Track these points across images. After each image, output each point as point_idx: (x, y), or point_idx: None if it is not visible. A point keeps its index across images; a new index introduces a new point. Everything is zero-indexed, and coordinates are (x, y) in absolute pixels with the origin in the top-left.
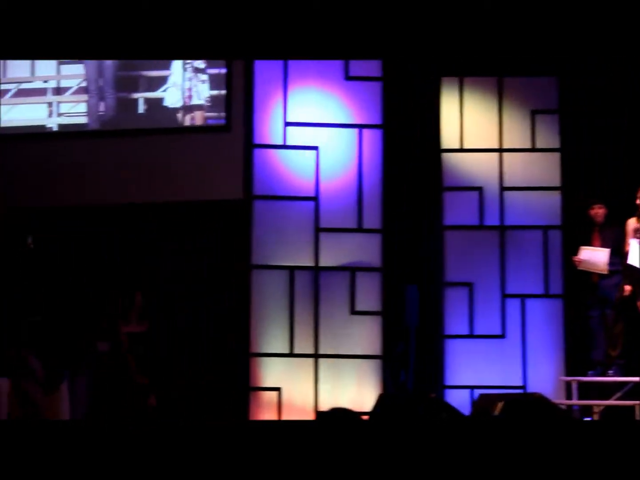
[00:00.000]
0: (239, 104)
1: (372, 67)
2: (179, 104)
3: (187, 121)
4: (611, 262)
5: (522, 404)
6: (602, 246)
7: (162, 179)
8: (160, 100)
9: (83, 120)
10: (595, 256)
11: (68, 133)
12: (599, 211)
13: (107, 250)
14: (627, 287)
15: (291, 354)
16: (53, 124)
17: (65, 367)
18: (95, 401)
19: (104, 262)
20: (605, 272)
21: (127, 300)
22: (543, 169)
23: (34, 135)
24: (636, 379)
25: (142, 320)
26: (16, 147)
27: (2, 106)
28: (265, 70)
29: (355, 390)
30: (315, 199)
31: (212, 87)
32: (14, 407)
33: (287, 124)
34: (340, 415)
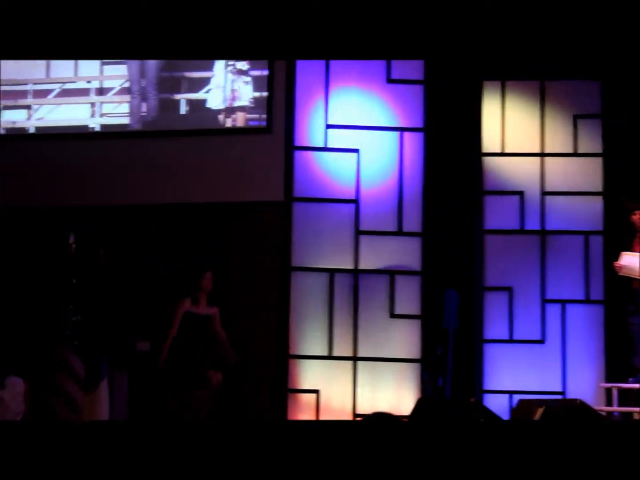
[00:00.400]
0: (280, 106)
1: (414, 69)
2: (221, 106)
3: (229, 122)
4: None
5: (563, 410)
6: None
7: (204, 180)
8: (202, 102)
9: (125, 120)
10: (636, 262)
11: (110, 133)
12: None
13: (148, 249)
14: None
15: (330, 357)
16: (95, 124)
17: (105, 366)
18: (136, 402)
19: (145, 262)
20: None
21: (195, 281)
22: (585, 173)
23: (76, 135)
24: None
25: (212, 306)
26: (60, 147)
27: (45, 106)
28: (306, 72)
29: (393, 393)
30: (355, 201)
31: (254, 89)
32: (30, 407)
33: (328, 126)
34: (382, 420)
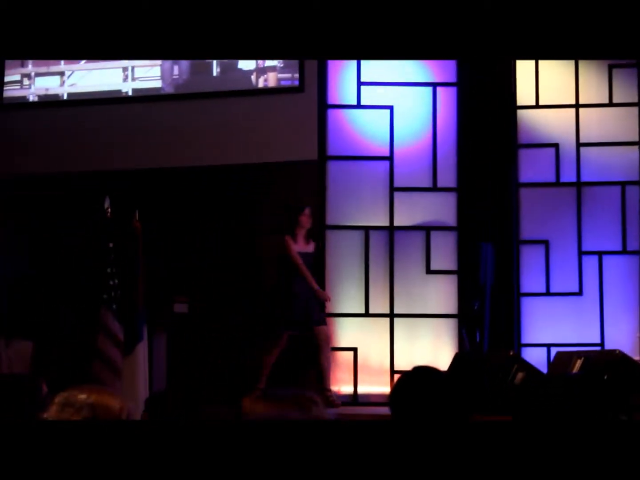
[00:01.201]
0: (312, 65)
1: None
2: (252, 66)
3: (261, 83)
4: None
5: (602, 361)
6: None
7: (237, 142)
8: (234, 63)
9: (157, 84)
10: None
11: (143, 97)
12: None
13: (183, 211)
14: None
15: (367, 314)
16: (128, 88)
17: (144, 329)
18: (174, 364)
19: (181, 224)
20: None
21: (294, 218)
22: (621, 123)
23: (109, 100)
24: None
25: (309, 240)
26: (93, 113)
27: (77, 72)
28: None
29: (430, 349)
30: (389, 158)
31: None
32: (33, 369)
33: (361, 83)
34: (424, 374)
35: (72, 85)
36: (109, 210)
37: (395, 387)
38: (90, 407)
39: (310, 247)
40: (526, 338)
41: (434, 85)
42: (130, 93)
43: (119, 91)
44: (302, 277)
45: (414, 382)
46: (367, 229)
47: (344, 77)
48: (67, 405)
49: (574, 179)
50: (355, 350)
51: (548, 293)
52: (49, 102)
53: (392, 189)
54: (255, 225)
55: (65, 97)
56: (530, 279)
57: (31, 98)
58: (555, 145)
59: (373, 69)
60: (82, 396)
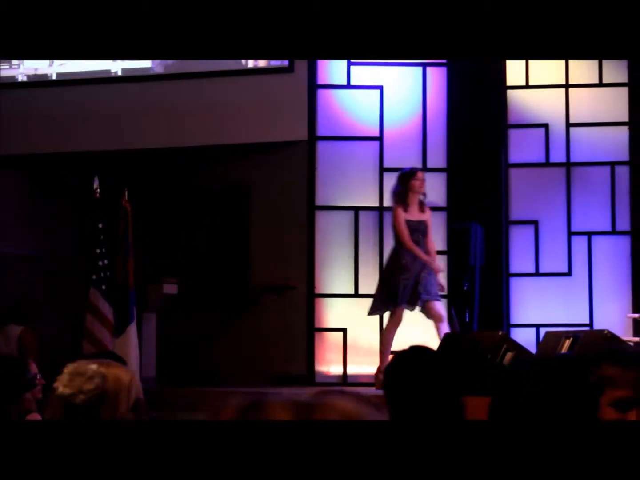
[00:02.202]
0: None
1: None
2: None
3: (251, 63)
4: None
5: (590, 342)
6: None
7: (227, 122)
8: None
9: (147, 64)
10: None
11: (132, 77)
12: None
13: (171, 192)
14: None
15: (356, 295)
16: (117, 68)
17: (134, 309)
18: (164, 345)
19: (169, 204)
20: None
21: (405, 183)
22: (611, 104)
23: (98, 80)
24: None
25: (423, 207)
26: (82, 93)
27: None
28: None
29: (420, 330)
30: (379, 138)
31: None
32: (22, 354)
33: (351, 63)
34: (419, 353)
35: (61, 65)
36: (98, 190)
37: (390, 366)
38: (101, 377)
39: (425, 215)
40: (515, 318)
41: (424, 65)
42: (119, 73)
43: (108, 71)
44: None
45: (409, 361)
46: (356, 210)
47: None
48: (77, 375)
49: (563, 160)
50: (344, 330)
51: (537, 273)
52: (38, 82)
53: (382, 170)
54: (244, 204)
55: (54, 77)
56: (520, 259)
57: (20, 78)
58: (545, 126)
59: None
60: (93, 366)
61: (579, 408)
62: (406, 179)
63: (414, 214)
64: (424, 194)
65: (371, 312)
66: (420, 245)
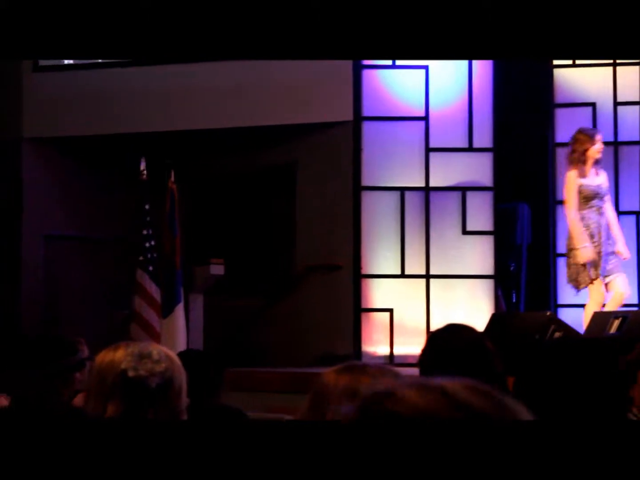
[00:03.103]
0: None
1: None
2: None
3: None
4: None
5: (639, 321)
6: None
7: (272, 102)
8: None
9: None
10: None
11: (177, 59)
12: None
13: (217, 173)
14: None
15: (403, 275)
16: None
17: (181, 290)
18: (211, 325)
19: (215, 185)
20: None
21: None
22: None
23: (142, 62)
24: None
25: (599, 169)
26: (128, 73)
27: None
28: None
29: (467, 310)
30: (425, 119)
31: None
32: None
33: None
34: (457, 330)
35: None
36: (145, 172)
37: (426, 342)
38: (167, 359)
39: (602, 178)
40: (562, 298)
41: None
42: None
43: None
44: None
45: (445, 338)
46: (402, 190)
47: None
48: (144, 357)
49: (611, 139)
50: (391, 311)
51: None
52: (84, 64)
53: (428, 150)
54: (291, 185)
55: (99, 60)
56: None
57: (65, 60)
58: (592, 105)
59: None
60: (154, 348)
61: (602, 396)
62: (585, 140)
63: (591, 178)
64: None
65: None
66: (599, 212)
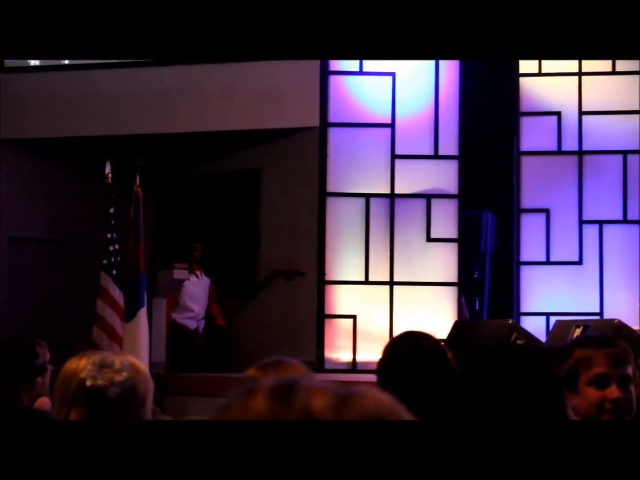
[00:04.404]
0: None
1: None
2: None
3: None
4: None
5: (600, 330)
6: None
7: (238, 107)
8: None
9: None
10: None
11: (138, 62)
12: None
13: (182, 177)
14: None
15: (367, 282)
16: None
17: (144, 294)
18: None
19: (180, 189)
20: None
21: None
22: (623, 92)
23: (117, 64)
24: None
25: None
26: (97, 77)
27: None
28: None
29: (430, 317)
30: (391, 125)
31: None
32: None
33: None
34: (415, 338)
35: None
36: (110, 175)
37: (384, 350)
38: (131, 369)
39: None
40: (525, 307)
41: None
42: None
43: None
44: None
45: (403, 346)
46: (367, 197)
47: None
48: (105, 366)
49: (575, 148)
50: (354, 317)
51: (548, 262)
52: (52, 66)
53: (394, 156)
54: (256, 190)
55: (66, 61)
56: (531, 247)
57: (32, 62)
58: (558, 114)
59: None
60: (117, 357)
61: (537, 402)
62: None
63: None
64: None
65: None
66: None
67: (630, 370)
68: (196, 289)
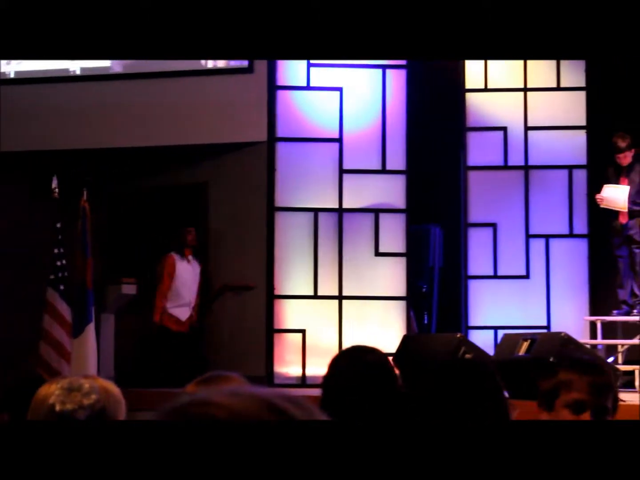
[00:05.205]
0: None
1: None
2: None
3: (210, 63)
4: (636, 202)
5: (547, 343)
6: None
7: (186, 122)
8: None
9: (106, 63)
10: (616, 193)
11: (91, 77)
12: (627, 153)
13: (129, 192)
14: None
15: (315, 296)
16: (76, 67)
17: (92, 310)
18: (122, 345)
19: (127, 204)
20: (625, 210)
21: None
22: (568, 108)
23: (57, 79)
24: None
25: None
26: (40, 91)
27: None
28: None
29: (379, 331)
30: (339, 140)
31: None
32: None
33: (311, 64)
34: (360, 353)
35: (19, 63)
36: (57, 190)
37: (329, 365)
38: (99, 390)
39: None
40: (474, 320)
41: (384, 67)
42: (78, 72)
43: (67, 70)
44: None
45: (348, 361)
46: (316, 211)
47: None
48: (73, 390)
49: (522, 163)
50: (303, 332)
51: (495, 276)
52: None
53: (342, 171)
54: (203, 205)
55: (12, 75)
56: (478, 261)
57: None
58: (504, 129)
59: None
60: (86, 380)
61: (479, 413)
62: None
63: None
64: None
65: None
66: None
67: (609, 402)
68: (188, 275)
